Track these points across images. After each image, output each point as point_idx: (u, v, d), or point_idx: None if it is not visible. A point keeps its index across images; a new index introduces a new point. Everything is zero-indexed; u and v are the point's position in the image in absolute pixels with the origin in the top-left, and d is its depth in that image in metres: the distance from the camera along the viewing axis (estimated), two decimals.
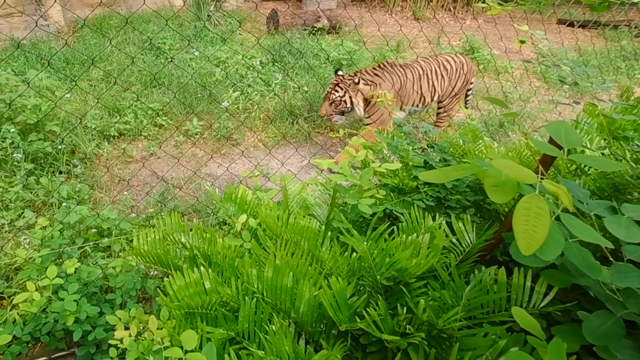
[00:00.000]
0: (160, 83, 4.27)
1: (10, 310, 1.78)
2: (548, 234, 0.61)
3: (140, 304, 1.83)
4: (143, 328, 1.42)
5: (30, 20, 5.48)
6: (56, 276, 1.67)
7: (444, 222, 1.40)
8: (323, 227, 1.50)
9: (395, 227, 1.40)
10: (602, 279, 0.86)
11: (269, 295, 1.20)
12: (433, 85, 3.59)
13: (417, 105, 3.62)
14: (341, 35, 6.14)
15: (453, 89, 3.67)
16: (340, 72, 3.36)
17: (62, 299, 1.60)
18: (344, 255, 1.35)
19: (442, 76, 3.60)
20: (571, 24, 6.26)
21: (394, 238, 1.29)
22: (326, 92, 3.35)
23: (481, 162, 0.79)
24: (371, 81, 3.33)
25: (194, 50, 5.08)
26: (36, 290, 1.63)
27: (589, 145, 1.67)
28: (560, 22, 6.66)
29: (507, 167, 0.66)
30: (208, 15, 6.33)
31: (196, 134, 3.67)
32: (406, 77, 3.44)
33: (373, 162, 1.63)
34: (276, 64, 4.72)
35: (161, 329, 1.31)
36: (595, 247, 0.88)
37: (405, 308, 1.09)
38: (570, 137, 0.78)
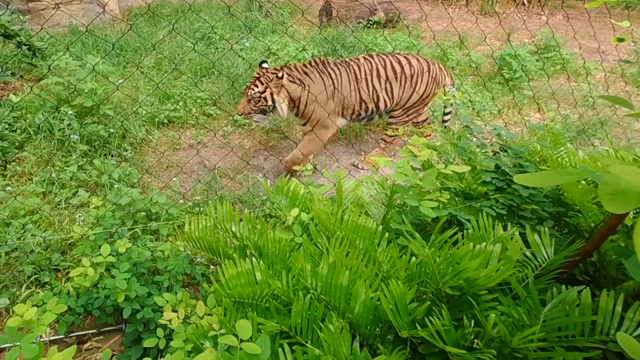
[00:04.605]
0: (210, 72, 4.47)
1: (65, 282, 1.95)
2: None
3: (185, 288, 1.93)
4: (190, 312, 1.50)
5: (88, 8, 5.99)
6: (109, 254, 1.81)
7: (516, 232, 1.35)
8: (380, 227, 1.50)
9: (460, 235, 1.37)
10: None
11: (324, 292, 1.22)
12: (375, 89, 3.15)
13: (359, 113, 3.20)
14: (398, 29, 6.09)
15: (409, 98, 3.19)
16: (265, 65, 3.02)
17: (114, 277, 1.73)
18: (402, 258, 1.34)
19: (388, 79, 3.15)
20: None
21: (457, 247, 1.27)
22: (245, 86, 3.00)
23: (587, 168, 0.75)
24: (299, 79, 2.97)
25: (245, 40, 5.27)
26: (90, 266, 1.78)
27: None
28: None
29: (631, 173, 0.62)
30: (259, 6, 6.54)
31: (244, 125, 3.81)
32: (340, 77, 3.06)
33: (439, 163, 1.60)
34: (328, 57, 4.77)
35: (210, 315, 1.38)
36: None
37: (472, 321, 1.07)
38: None
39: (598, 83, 4.70)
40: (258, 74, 2.95)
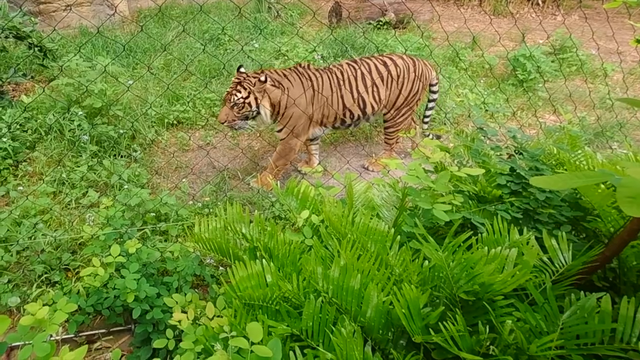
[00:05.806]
0: (219, 74, 4.51)
1: (75, 282, 1.98)
2: None
3: (195, 289, 1.95)
4: (200, 313, 1.51)
5: (98, 10, 6.10)
6: (118, 255, 1.84)
7: (533, 237, 1.34)
8: (392, 230, 1.49)
9: (474, 239, 1.36)
10: None
11: (335, 295, 1.22)
12: (360, 95, 3.09)
13: (343, 120, 3.14)
14: (409, 30, 6.08)
15: (397, 98, 3.18)
16: (242, 69, 2.93)
17: (123, 277, 1.75)
18: (414, 262, 1.34)
19: (374, 83, 3.09)
20: None
21: (472, 251, 1.26)
22: (226, 92, 2.88)
23: (606, 171, 0.74)
24: (279, 82, 2.89)
25: (254, 41, 5.31)
26: (100, 266, 1.80)
27: None
28: None
29: None
30: (268, 7, 6.59)
31: (253, 126, 3.82)
32: (322, 83, 2.98)
33: (452, 165, 1.59)
34: (338, 58, 4.79)
35: (220, 316, 1.39)
36: None
37: (487, 327, 1.06)
38: None
39: (616, 85, 4.63)
40: (238, 78, 2.84)
